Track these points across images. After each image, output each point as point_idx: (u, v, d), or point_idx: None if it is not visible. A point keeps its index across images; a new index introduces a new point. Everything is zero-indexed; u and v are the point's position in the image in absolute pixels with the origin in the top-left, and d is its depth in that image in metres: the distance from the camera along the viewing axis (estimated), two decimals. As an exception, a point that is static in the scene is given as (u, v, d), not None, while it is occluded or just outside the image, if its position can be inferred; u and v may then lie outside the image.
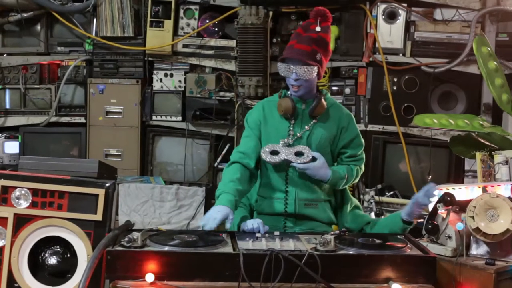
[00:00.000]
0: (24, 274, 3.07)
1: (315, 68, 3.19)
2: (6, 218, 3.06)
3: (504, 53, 4.67)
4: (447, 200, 3.02)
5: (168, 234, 2.91)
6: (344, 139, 3.33)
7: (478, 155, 3.44)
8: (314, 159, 3.21)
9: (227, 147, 5.07)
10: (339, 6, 4.94)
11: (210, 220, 2.94)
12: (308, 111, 3.27)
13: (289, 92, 3.33)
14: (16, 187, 3.07)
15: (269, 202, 3.31)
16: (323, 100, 3.27)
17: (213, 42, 5.10)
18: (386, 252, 2.74)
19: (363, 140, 3.41)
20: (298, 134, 3.27)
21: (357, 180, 3.42)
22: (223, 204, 3.01)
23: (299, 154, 3.22)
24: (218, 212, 2.97)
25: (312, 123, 3.29)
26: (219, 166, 5.06)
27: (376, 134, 5.00)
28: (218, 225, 2.94)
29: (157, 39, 5.11)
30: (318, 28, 3.22)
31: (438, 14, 4.87)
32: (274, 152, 3.22)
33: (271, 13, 4.93)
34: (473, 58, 4.39)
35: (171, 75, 5.19)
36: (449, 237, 2.97)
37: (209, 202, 4.71)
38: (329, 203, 3.36)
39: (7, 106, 5.36)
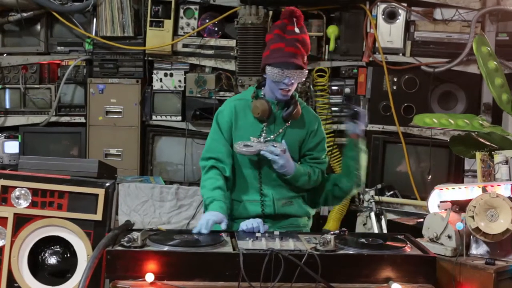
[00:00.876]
0: (24, 274, 3.07)
1: (306, 71, 3.17)
2: (6, 218, 3.06)
3: (504, 53, 4.67)
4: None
5: (168, 234, 2.91)
6: (311, 142, 3.31)
7: (478, 155, 3.43)
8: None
9: (227, 147, 5.07)
10: (339, 6, 4.95)
11: (203, 224, 2.91)
12: (284, 115, 3.23)
13: (262, 93, 3.28)
14: (16, 187, 3.07)
15: (244, 205, 3.24)
16: (299, 105, 3.25)
17: (213, 42, 5.10)
18: (386, 252, 2.74)
19: (326, 146, 3.40)
20: (271, 136, 3.22)
21: (319, 182, 3.34)
22: (216, 210, 2.99)
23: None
24: (212, 215, 2.96)
25: (285, 126, 3.25)
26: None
27: (376, 134, 5.00)
28: (211, 227, 2.92)
29: (157, 38, 5.11)
30: (297, 30, 3.15)
31: (438, 13, 4.87)
32: (247, 146, 3.17)
33: (271, 12, 4.93)
34: (473, 58, 4.39)
35: (171, 75, 5.19)
36: (449, 237, 2.96)
37: (209, 202, 4.71)
38: (302, 197, 3.34)
39: (7, 106, 5.36)
